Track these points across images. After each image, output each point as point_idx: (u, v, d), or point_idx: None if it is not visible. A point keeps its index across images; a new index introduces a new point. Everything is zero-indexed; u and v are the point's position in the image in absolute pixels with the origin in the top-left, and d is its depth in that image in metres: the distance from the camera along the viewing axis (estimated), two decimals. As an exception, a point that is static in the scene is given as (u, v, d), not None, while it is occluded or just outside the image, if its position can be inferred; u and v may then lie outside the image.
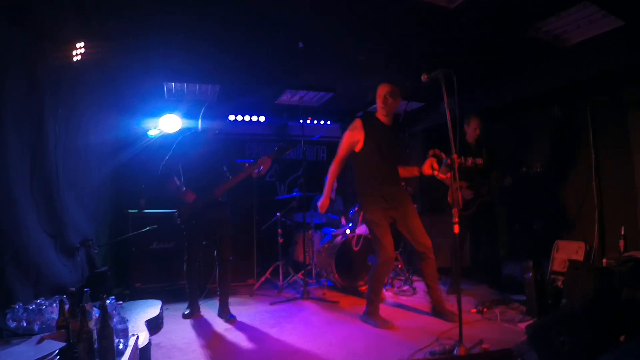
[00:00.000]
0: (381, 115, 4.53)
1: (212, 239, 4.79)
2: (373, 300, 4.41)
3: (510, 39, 4.68)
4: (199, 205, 4.60)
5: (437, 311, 4.47)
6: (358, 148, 4.48)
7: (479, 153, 5.53)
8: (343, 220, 7.23)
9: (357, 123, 4.46)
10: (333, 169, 4.60)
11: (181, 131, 5.87)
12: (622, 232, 4.64)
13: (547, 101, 5.85)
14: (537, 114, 6.26)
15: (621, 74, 4.91)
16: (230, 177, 4.78)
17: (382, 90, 4.46)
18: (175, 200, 4.70)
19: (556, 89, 5.59)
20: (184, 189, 4.60)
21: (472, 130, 5.65)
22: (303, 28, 4.44)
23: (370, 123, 4.48)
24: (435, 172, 4.22)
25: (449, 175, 4.10)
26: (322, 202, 4.64)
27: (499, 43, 4.85)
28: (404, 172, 4.58)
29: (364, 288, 5.87)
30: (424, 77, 3.69)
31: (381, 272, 4.39)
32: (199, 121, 4.80)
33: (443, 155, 4.16)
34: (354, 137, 4.47)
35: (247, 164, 6.21)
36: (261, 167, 4.70)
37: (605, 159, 5.37)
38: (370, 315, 4.39)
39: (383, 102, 4.46)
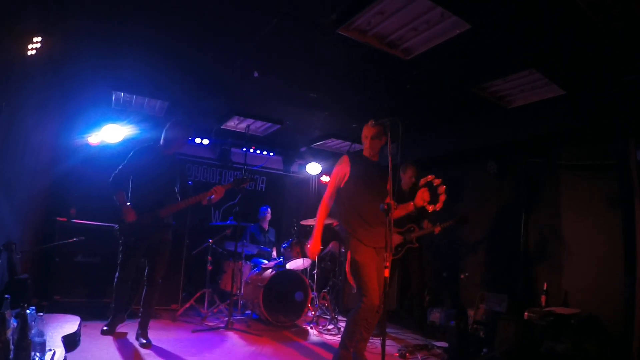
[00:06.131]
0: (367, 153, 4.23)
1: (147, 259, 4.60)
2: (347, 345, 3.93)
3: (457, 94, 5.02)
4: (139, 224, 4.42)
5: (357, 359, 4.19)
6: (343, 183, 4.13)
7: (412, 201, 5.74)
8: (274, 253, 7.21)
9: (344, 158, 4.16)
10: (323, 208, 4.12)
11: (140, 140, 5.64)
12: (545, 288, 4.95)
13: (484, 155, 6.18)
14: (474, 167, 6.55)
15: (557, 137, 5.34)
16: (180, 199, 4.66)
17: (368, 132, 4.12)
18: (118, 215, 4.50)
19: (495, 145, 5.98)
20: (129, 205, 4.43)
21: (407, 178, 5.91)
22: (259, 57, 4.52)
23: (356, 159, 4.15)
24: (426, 204, 3.93)
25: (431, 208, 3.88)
26: (313, 247, 4.04)
27: (445, 97, 5.19)
28: (399, 211, 4.14)
29: (288, 324, 5.86)
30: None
31: (361, 318, 3.89)
32: (163, 133, 4.64)
33: (436, 182, 3.94)
34: (340, 171, 4.12)
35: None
36: (213, 196, 4.60)
37: (535, 216, 5.68)
38: None
39: (369, 143, 4.15)
